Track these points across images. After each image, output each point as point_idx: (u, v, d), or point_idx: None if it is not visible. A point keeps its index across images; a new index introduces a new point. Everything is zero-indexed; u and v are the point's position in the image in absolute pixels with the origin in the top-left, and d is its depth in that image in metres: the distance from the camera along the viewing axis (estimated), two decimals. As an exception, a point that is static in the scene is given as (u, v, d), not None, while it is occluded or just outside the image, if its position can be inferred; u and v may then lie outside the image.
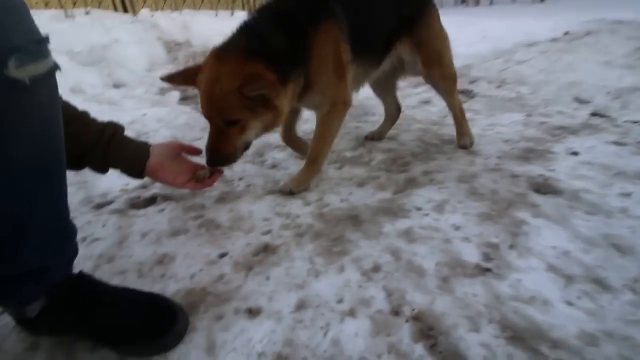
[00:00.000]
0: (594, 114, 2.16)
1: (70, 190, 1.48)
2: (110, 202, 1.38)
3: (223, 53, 1.01)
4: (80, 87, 2.83)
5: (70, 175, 1.61)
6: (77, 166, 0.88)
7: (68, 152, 0.82)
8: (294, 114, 1.52)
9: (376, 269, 0.95)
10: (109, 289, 0.81)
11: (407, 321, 0.80)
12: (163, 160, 0.98)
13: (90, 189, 1.47)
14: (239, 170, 1.61)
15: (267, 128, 1.10)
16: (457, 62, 1.81)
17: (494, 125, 2.02)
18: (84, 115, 0.87)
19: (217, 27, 4.49)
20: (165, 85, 3.07)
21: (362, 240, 1.07)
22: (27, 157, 0.57)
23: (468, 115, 2.20)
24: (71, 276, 0.77)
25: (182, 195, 1.41)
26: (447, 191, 1.32)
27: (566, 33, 5.80)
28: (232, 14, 5.68)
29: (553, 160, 1.57)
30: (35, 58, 0.53)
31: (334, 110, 1.29)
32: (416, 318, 0.81)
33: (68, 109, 0.84)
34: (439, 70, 1.55)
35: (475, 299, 0.85)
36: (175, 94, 2.90)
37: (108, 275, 0.99)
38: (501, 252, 1.01)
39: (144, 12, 4.39)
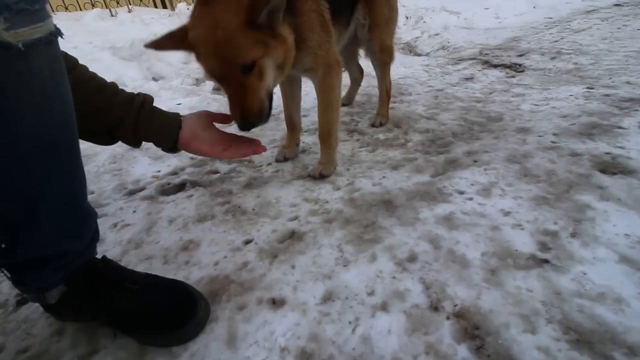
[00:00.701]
0: (672, 83, 1.85)
1: (105, 177, 1.55)
2: (142, 189, 1.40)
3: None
4: (122, 81, 2.95)
5: (106, 164, 1.68)
6: (110, 140, 0.86)
7: (99, 126, 0.81)
8: (293, 87, 1.44)
9: (412, 258, 0.86)
10: (130, 275, 0.79)
11: (448, 318, 0.70)
12: (196, 130, 0.92)
13: (124, 177, 1.50)
14: (267, 155, 1.57)
15: (280, 70, 0.96)
16: (504, 34, 1.63)
17: (548, 100, 1.79)
18: (112, 86, 0.85)
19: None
20: (200, 75, 3.12)
21: (397, 227, 0.97)
22: (33, 133, 0.54)
23: (517, 90, 1.99)
24: (92, 261, 0.76)
25: (210, 181, 1.39)
26: (495, 173, 1.17)
27: (634, -5, 5.10)
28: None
29: (622, 135, 1.35)
30: (29, 20, 0.47)
31: (329, 73, 1.18)
32: (459, 315, 0.71)
33: (94, 79, 0.82)
34: (379, 37, 1.55)
35: (530, 295, 0.73)
36: (209, 84, 2.93)
37: (135, 261, 0.99)
38: (561, 241, 0.87)
39: (181, 6, 4.48)
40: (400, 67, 2.75)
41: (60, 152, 0.60)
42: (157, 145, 0.92)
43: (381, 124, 1.70)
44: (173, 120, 0.92)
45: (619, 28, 3.27)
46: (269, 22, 0.86)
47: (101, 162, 1.64)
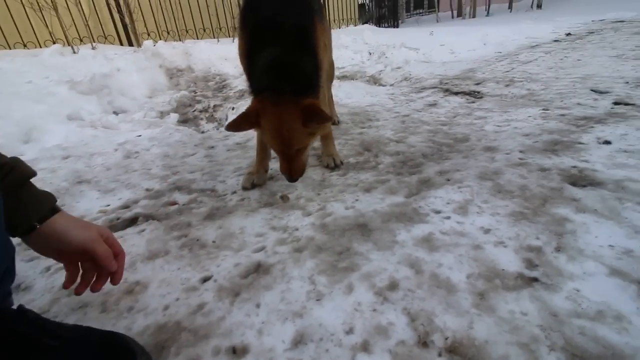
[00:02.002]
0: (617, 103, 1.99)
1: (44, 215, 1.36)
2: (86, 226, 1.22)
3: (279, 97, 1.07)
4: (78, 115, 2.78)
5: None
6: None
7: None
8: None
9: (393, 286, 0.76)
10: (52, 328, 0.63)
11: (440, 355, 0.60)
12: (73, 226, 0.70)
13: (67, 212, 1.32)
14: (232, 183, 1.46)
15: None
16: (460, 66, 1.71)
17: (509, 121, 1.85)
18: None
19: (218, 52, 4.50)
20: (165, 108, 3.02)
21: (374, 251, 0.88)
22: None
23: (479, 113, 2.06)
24: (1, 312, 0.60)
25: (167, 213, 1.25)
26: (469, 190, 1.13)
27: (568, 34, 5.73)
28: (234, 40, 5.74)
29: (584, 150, 1.38)
30: None
31: (329, 83, 1.44)
32: (452, 350, 0.61)
33: None
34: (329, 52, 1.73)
35: (526, 319, 0.65)
36: (173, 116, 2.82)
37: (66, 310, 0.82)
38: (547, 257, 0.81)
39: (147, 43, 4.44)
40: (367, 96, 2.81)
41: None
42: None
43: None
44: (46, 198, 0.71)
45: (562, 59, 3.59)
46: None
47: (41, 199, 1.44)
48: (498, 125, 1.79)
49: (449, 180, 1.23)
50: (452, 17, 14.03)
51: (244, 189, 1.38)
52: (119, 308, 0.81)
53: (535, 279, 0.75)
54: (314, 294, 0.76)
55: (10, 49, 4.69)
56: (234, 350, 0.65)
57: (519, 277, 0.76)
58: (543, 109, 2.00)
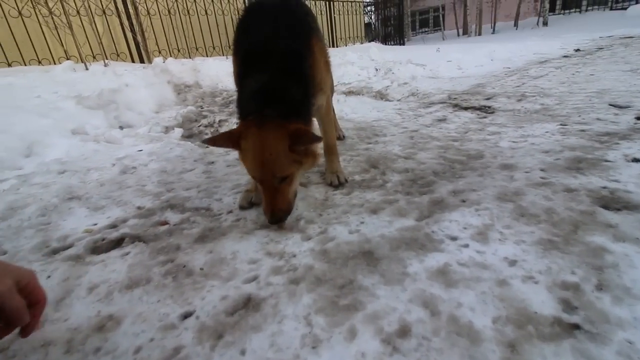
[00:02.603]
0: (639, 118, 1.87)
1: (27, 233, 1.25)
2: (68, 247, 1.13)
3: (262, 122, 1.03)
4: (83, 129, 2.76)
5: (33, 217, 1.40)
6: None
7: None
8: None
9: (404, 332, 0.64)
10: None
11: None
12: None
13: (50, 232, 1.23)
14: (228, 201, 1.36)
15: (305, 171, 1.20)
16: (469, 81, 1.64)
17: (525, 137, 1.73)
18: None
19: (226, 68, 4.52)
20: (170, 123, 2.98)
21: (381, 286, 0.76)
22: None
23: (492, 129, 1.95)
24: None
25: (155, 234, 1.15)
26: (488, 213, 1.01)
27: (577, 50, 5.66)
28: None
29: (612, 169, 1.26)
30: None
31: (329, 99, 1.41)
32: (481, 423, 0.48)
33: None
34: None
35: (571, 382, 0.53)
36: (178, 131, 2.78)
37: (26, 349, 0.71)
38: (587, 297, 0.69)
39: (157, 60, 4.48)
40: (374, 111, 2.73)
41: None
42: None
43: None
44: None
45: (573, 74, 3.49)
46: (305, 148, 1.08)
47: (27, 215, 1.36)
48: (514, 141, 1.68)
49: (464, 201, 1.11)
50: (458, 35, 14.15)
51: (241, 208, 1.28)
52: (85, 348, 0.70)
53: (577, 326, 0.62)
54: (310, 339, 0.64)
55: (25, 65, 4.78)
56: (210, 413, 0.53)
57: (556, 322, 0.63)
58: (561, 124, 1.89)
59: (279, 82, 1.08)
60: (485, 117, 2.24)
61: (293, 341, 0.64)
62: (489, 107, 2.53)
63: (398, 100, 3.21)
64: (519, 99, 2.69)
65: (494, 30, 13.10)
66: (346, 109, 2.74)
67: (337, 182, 1.39)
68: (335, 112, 2.75)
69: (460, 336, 0.62)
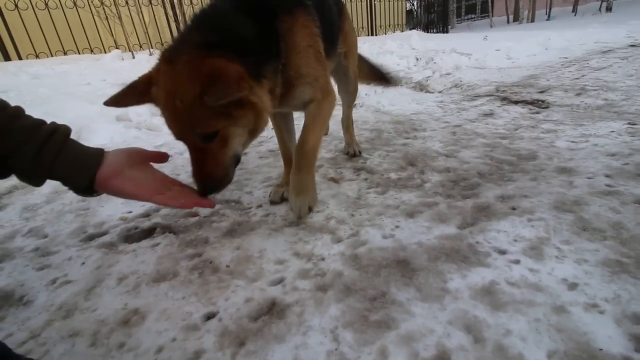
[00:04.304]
0: None
1: (67, 218, 1.31)
2: (103, 234, 1.16)
3: (175, 54, 0.77)
4: (127, 116, 2.88)
5: (74, 202, 1.46)
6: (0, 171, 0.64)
7: None
8: (286, 120, 1.31)
9: (442, 359, 0.57)
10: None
11: None
12: (120, 167, 0.72)
13: (88, 218, 1.27)
14: (259, 195, 1.33)
15: (252, 133, 0.86)
16: (519, 72, 1.46)
17: (587, 136, 1.54)
18: (15, 109, 0.65)
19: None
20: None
21: (417, 302, 0.69)
22: None
23: (547, 126, 1.76)
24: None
25: (185, 226, 1.15)
26: (543, 225, 0.90)
27: (648, 38, 5.03)
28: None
29: (698, 179, 1.07)
30: None
31: (326, 98, 1.07)
32: None
33: None
34: (352, 62, 1.53)
35: None
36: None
37: (55, 338, 0.72)
38: (670, 337, 0.57)
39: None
40: (413, 104, 2.58)
41: None
42: (65, 183, 0.68)
43: (360, 153, 1.61)
44: (93, 154, 0.70)
45: (645, 66, 3.10)
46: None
47: (69, 200, 1.42)
48: (573, 141, 1.50)
49: (514, 208, 0.99)
50: (508, 21, 13.18)
51: (272, 203, 1.25)
52: (110, 343, 0.70)
53: (658, 373, 0.52)
54: (336, 357, 0.59)
55: (79, 53, 5.09)
56: None
57: (630, 365, 0.53)
58: (629, 123, 1.66)
59: (229, 12, 0.84)
60: (538, 113, 2.04)
61: (318, 357, 0.60)
62: (543, 101, 2.30)
63: (439, 92, 3.03)
64: (578, 92, 2.43)
65: (549, 16, 12.03)
66: (383, 101, 2.62)
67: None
68: (372, 103, 2.63)
69: (509, 372, 0.54)
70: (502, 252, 0.81)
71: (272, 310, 0.72)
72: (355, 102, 1.75)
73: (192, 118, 0.74)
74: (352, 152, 1.61)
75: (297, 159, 1.06)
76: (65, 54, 4.98)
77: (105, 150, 0.73)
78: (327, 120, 1.14)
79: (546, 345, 0.58)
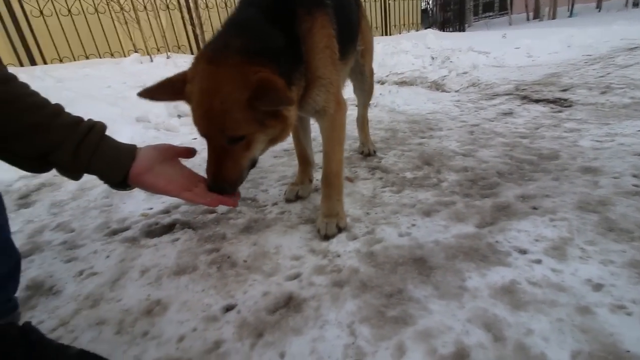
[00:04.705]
0: None
1: (92, 214, 1.36)
2: (126, 229, 1.20)
3: (218, 56, 0.79)
4: (146, 117, 2.97)
5: (98, 198, 1.52)
6: (40, 166, 0.68)
7: (30, 147, 0.66)
8: (303, 120, 1.29)
9: (461, 356, 0.56)
10: (51, 356, 0.55)
11: None
12: (152, 163, 0.75)
13: (112, 214, 1.32)
14: (274, 193, 1.35)
15: (273, 142, 0.89)
16: (540, 71, 1.43)
17: (612, 136, 1.49)
18: (55, 106, 0.69)
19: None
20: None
21: (434, 300, 0.69)
22: None
23: (570, 125, 1.71)
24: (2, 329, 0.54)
25: (203, 222, 1.18)
26: (566, 225, 0.87)
27: (679, 34, 4.80)
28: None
29: None
30: None
31: (339, 111, 1.06)
32: None
33: (32, 96, 0.67)
34: (369, 59, 1.52)
35: None
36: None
37: (83, 326, 0.76)
38: (702, 341, 0.55)
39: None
40: (429, 103, 2.56)
41: None
42: (101, 177, 0.72)
43: (374, 152, 1.62)
44: (127, 150, 0.74)
45: (675, 63, 2.96)
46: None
47: (94, 196, 1.48)
48: (597, 140, 1.45)
49: (535, 208, 0.97)
50: (528, 19, 12.83)
51: (288, 201, 1.26)
52: (134, 331, 0.72)
53: (689, 377, 0.50)
54: (353, 350, 0.59)
55: (100, 57, 5.27)
56: (245, 418, 0.51)
57: (659, 369, 0.51)
58: (658, 122, 1.60)
59: (260, 20, 0.85)
60: (560, 112, 1.98)
61: (335, 350, 0.60)
62: (566, 99, 2.23)
63: (456, 92, 2.98)
64: (602, 91, 2.34)
65: (571, 13, 11.65)
66: (398, 101, 2.60)
67: (332, 233, 0.99)
68: (386, 103, 2.61)
69: (530, 371, 0.53)
70: (523, 252, 0.80)
71: (289, 304, 0.73)
72: (370, 102, 1.72)
73: (227, 119, 0.76)
74: (366, 152, 1.60)
75: (325, 187, 1.08)
76: (87, 58, 5.16)
77: (138, 147, 0.76)
78: (343, 135, 1.10)
79: (570, 346, 0.56)
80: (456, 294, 0.69)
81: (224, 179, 0.81)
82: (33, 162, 0.65)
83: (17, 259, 0.60)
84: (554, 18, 11.42)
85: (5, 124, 0.60)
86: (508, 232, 0.87)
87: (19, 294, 0.77)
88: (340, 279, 0.79)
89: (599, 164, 1.22)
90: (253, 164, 0.88)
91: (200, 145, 0.90)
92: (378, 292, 0.72)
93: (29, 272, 0.98)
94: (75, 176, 0.69)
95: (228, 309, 0.75)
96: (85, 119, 0.71)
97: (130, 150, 0.74)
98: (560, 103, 2.17)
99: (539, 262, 0.75)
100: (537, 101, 2.27)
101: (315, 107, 1.02)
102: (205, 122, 0.79)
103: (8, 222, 0.58)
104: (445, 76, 3.55)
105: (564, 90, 2.47)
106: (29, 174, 1.68)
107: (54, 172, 0.69)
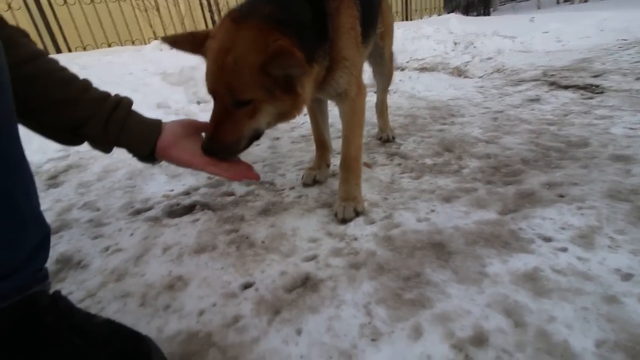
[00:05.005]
0: None
1: (116, 194, 1.41)
2: (149, 209, 1.24)
3: (244, 17, 0.78)
4: (166, 103, 3.02)
5: (122, 179, 1.57)
6: (72, 139, 0.72)
7: (61, 121, 0.69)
8: (321, 104, 1.28)
9: (480, 340, 0.55)
10: (79, 323, 0.58)
11: None
12: (177, 138, 0.79)
13: (135, 194, 1.36)
14: (292, 177, 1.36)
15: (282, 117, 0.87)
16: (570, 56, 1.35)
17: (648, 123, 1.41)
18: (84, 81, 0.72)
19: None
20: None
21: (453, 284, 0.68)
22: None
23: (601, 112, 1.63)
24: (33, 297, 0.57)
25: (223, 204, 1.20)
26: (594, 214, 0.84)
27: None
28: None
29: None
30: None
31: (360, 95, 1.04)
32: None
33: (61, 71, 0.70)
34: (389, 43, 1.49)
35: None
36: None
37: (109, 297, 0.79)
38: None
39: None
40: (450, 89, 2.48)
41: None
42: (130, 151, 0.76)
43: (393, 138, 1.59)
44: (153, 125, 0.77)
45: None
46: (283, 76, 0.78)
47: (118, 178, 1.52)
48: (631, 128, 1.38)
49: (562, 196, 0.94)
50: (558, 1, 12.15)
51: (305, 185, 1.27)
52: (157, 304, 0.75)
53: None
54: (369, 330, 0.60)
55: (121, 45, 5.37)
56: (263, 389, 0.53)
57: (692, 361, 0.49)
58: (700, 110, 1.50)
59: None
60: (591, 98, 1.89)
61: (351, 329, 0.60)
62: (597, 86, 2.12)
63: (479, 78, 2.88)
64: (638, 77, 2.21)
65: (606, -5, 10.96)
66: (418, 87, 2.54)
67: (349, 216, 0.98)
68: (406, 89, 2.55)
69: (551, 356, 0.52)
70: (548, 240, 0.77)
71: (306, 283, 0.74)
72: (389, 87, 1.68)
73: (237, 79, 0.75)
74: (385, 138, 1.58)
75: (343, 171, 1.07)
76: (109, 45, 5.27)
77: (163, 121, 0.78)
78: (363, 119, 1.09)
79: (594, 335, 0.55)
80: (476, 279, 0.68)
81: (220, 141, 0.80)
82: (65, 134, 0.68)
83: (47, 231, 0.63)
84: (586, 1, 10.76)
85: (36, 98, 0.62)
86: (532, 220, 0.84)
87: (50, 267, 0.82)
88: (357, 261, 0.79)
89: (632, 151, 1.16)
90: (256, 135, 0.86)
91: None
92: (395, 275, 0.72)
93: (59, 247, 1.03)
94: (107, 149, 0.72)
95: (246, 286, 0.76)
96: (113, 94, 0.74)
97: (156, 125, 0.76)
98: (592, 89, 2.07)
99: (564, 250, 0.73)
100: (566, 87, 2.17)
101: (337, 90, 1.00)
102: (215, 78, 0.79)
103: (39, 199, 0.61)
104: (468, 62, 3.43)
105: (596, 76, 2.34)
106: (56, 156, 1.76)
107: (80, 154, 0.72)
